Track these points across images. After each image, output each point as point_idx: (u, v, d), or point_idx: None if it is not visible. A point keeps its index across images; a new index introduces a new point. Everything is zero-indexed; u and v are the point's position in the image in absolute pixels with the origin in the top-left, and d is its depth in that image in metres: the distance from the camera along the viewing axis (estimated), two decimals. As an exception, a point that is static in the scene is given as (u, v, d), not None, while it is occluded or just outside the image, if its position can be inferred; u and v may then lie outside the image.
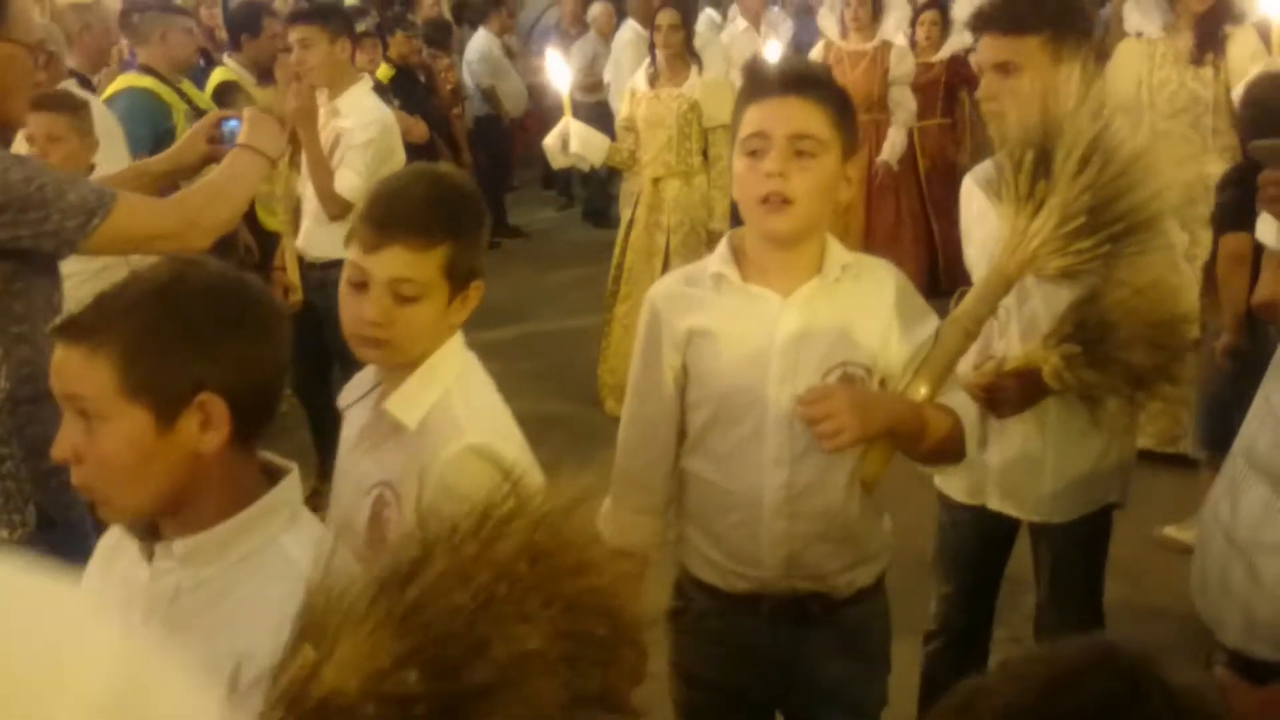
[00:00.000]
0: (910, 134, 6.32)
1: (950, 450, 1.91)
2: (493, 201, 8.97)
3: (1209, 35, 4.16)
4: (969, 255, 2.44)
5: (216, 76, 5.30)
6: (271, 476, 1.40)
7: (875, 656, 2.01)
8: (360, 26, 5.85)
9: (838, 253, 1.87)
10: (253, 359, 1.35)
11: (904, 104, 6.14)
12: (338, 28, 4.28)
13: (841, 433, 1.72)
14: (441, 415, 1.64)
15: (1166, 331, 2.09)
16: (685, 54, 5.08)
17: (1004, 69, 2.20)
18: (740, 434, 1.86)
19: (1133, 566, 3.87)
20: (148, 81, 4.58)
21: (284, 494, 1.38)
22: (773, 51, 5.46)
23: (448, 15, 9.56)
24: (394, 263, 1.62)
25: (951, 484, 2.49)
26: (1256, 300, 3.07)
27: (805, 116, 1.78)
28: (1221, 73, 4.16)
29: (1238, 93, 4.04)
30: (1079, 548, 2.46)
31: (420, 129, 5.98)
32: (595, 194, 9.06)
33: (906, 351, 1.88)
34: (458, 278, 1.67)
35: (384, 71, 6.26)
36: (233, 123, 2.48)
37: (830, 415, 1.72)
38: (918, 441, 1.87)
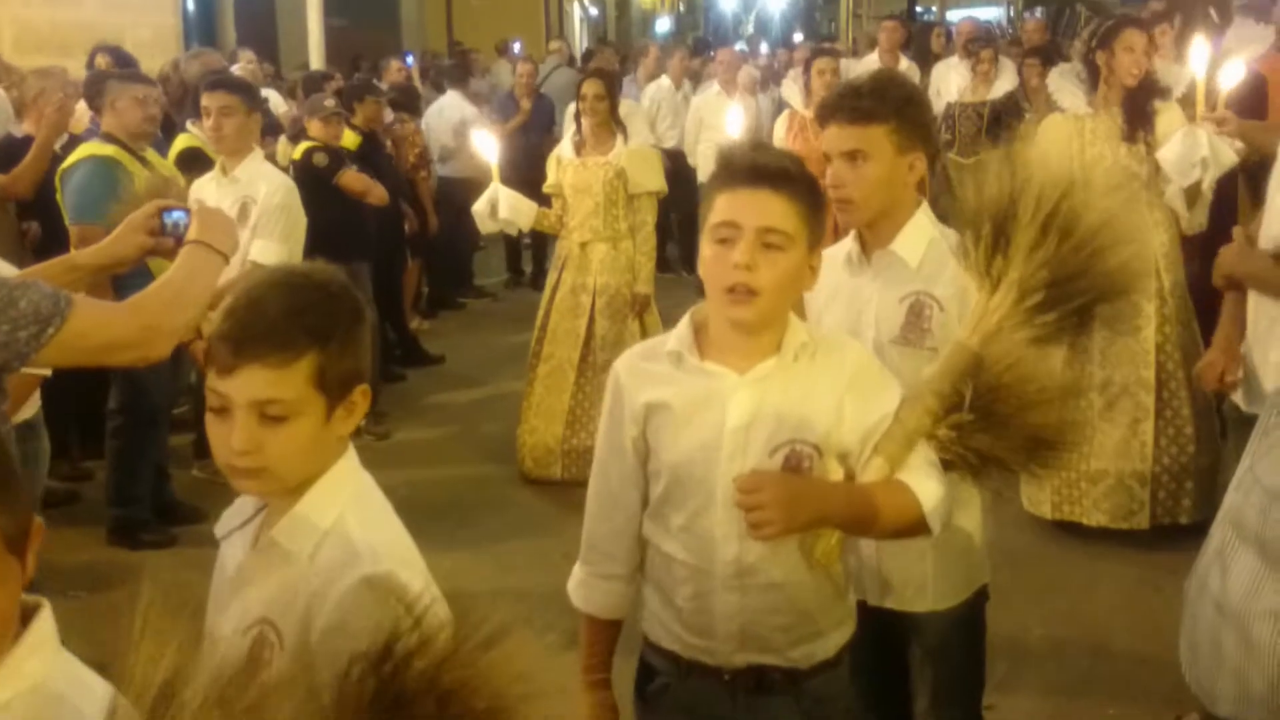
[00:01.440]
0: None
1: (908, 528, 1.90)
2: (460, 263, 9.01)
3: (1138, 111, 4.22)
4: None
5: (179, 143, 5.30)
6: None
7: None
8: (328, 103, 5.92)
9: (797, 333, 1.89)
10: None
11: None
12: (255, 102, 4.65)
13: (768, 525, 1.73)
14: (337, 543, 1.51)
15: (1057, 395, 2.05)
16: (610, 123, 5.22)
17: (851, 157, 2.25)
18: (693, 507, 1.88)
19: (1102, 633, 3.88)
20: (109, 150, 4.59)
21: (47, 626, 1.26)
22: (734, 118, 5.53)
23: (416, 81, 9.62)
24: (253, 384, 1.47)
25: None
26: (1196, 370, 3.10)
27: (776, 210, 1.80)
28: (1153, 148, 4.20)
29: (1161, 159, 4.11)
30: (965, 632, 2.42)
31: (379, 191, 5.99)
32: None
33: (861, 428, 1.88)
34: (332, 387, 1.52)
35: (350, 138, 6.28)
36: (176, 214, 2.31)
37: (760, 506, 1.73)
38: (864, 526, 1.88)
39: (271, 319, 1.49)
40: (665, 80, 9.46)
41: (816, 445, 1.85)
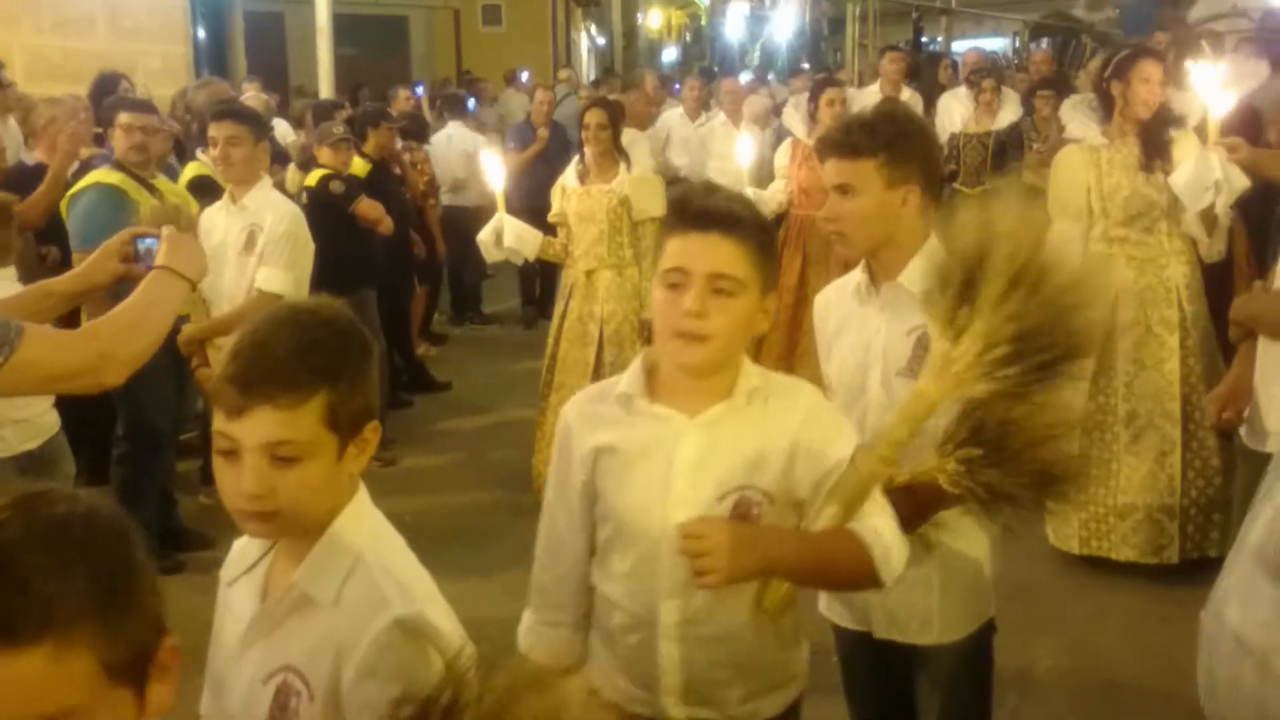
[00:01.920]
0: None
1: (859, 580, 1.86)
2: (468, 290, 9.04)
3: (1154, 141, 4.19)
4: (828, 375, 2.42)
5: (189, 171, 5.33)
6: None
7: None
8: (336, 130, 5.96)
9: (749, 377, 1.86)
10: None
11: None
12: (261, 131, 4.68)
13: (712, 573, 1.69)
14: (361, 583, 1.47)
15: (1067, 430, 2.04)
16: (613, 151, 5.26)
17: (843, 190, 2.27)
18: (637, 553, 1.85)
19: (1111, 665, 3.86)
20: (115, 178, 4.60)
21: None
22: (745, 148, 5.55)
23: (426, 110, 9.65)
24: (264, 426, 1.42)
25: (836, 610, 2.43)
26: (1212, 398, 3.11)
27: (726, 256, 1.78)
28: (1170, 177, 4.15)
29: (1173, 183, 4.09)
30: (971, 665, 2.40)
31: (389, 222, 6.01)
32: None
33: (814, 474, 1.84)
34: (344, 426, 1.48)
35: (360, 166, 6.30)
36: (149, 240, 2.32)
37: (704, 553, 1.69)
38: (813, 576, 1.86)
39: (280, 359, 1.44)
40: (679, 109, 9.51)
41: (767, 492, 1.82)
